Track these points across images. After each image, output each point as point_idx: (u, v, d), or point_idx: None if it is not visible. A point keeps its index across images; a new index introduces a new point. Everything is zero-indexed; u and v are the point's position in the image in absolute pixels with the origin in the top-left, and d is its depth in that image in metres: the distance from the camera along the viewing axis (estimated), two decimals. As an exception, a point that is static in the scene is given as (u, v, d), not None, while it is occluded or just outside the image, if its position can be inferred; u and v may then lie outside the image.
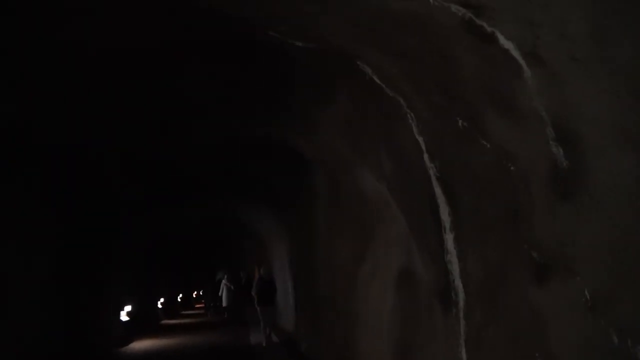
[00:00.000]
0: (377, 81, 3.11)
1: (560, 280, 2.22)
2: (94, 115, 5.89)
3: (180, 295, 26.68)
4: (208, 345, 11.65)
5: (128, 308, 12.64)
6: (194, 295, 33.36)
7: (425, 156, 2.98)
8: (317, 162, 6.93)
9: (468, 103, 2.53)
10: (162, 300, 19.76)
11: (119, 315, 12.06)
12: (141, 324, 14.21)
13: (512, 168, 2.37)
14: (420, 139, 2.99)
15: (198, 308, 29.81)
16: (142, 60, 4.51)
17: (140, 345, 12.11)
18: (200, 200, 11.97)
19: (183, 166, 8.89)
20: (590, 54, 1.88)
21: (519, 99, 2.20)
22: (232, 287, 17.26)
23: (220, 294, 17.64)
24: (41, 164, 6.16)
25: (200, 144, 7.76)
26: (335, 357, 6.59)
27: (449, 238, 2.88)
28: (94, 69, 4.48)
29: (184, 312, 25.40)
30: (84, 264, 8.32)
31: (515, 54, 2.07)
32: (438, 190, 2.93)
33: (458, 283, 2.82)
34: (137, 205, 10.17)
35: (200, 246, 21.11)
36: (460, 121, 2.61)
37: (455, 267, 2.84)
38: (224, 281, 17.48)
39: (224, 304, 17.05)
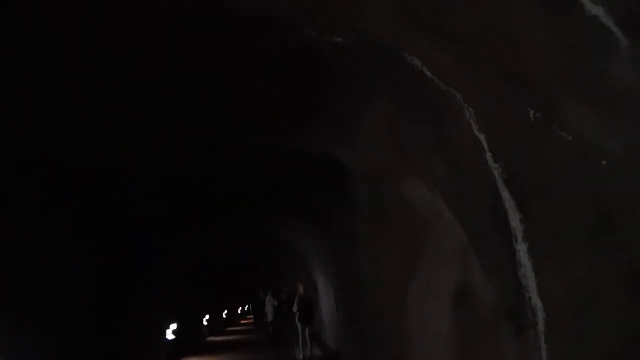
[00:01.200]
0: (427, 74, 2.76)
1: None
2: (130, 139, 5.85)
3: (225, 311, 26.71)
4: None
5: (173, 326, 12.59)
6: (239, 312, 33.41)
7: (488, 155, 2.59)
8: (359, 173, 6.58)
9: (541, 89, 2.15)
10: (207, 317, 19.78)
11: (164, 334, 12.02)
12: (187, 342, 14.17)
13: (602, 163, 1.96)
14: (481, 137, 2.61)
15: (243, 324, 29.79)
16: (170, 78, 4.38)
17: (185, 364, 12.02)
18: (239, 221, 11.92)
19: (220, 187, 8.78)
20: None
21: (611, 78, 1.80)
22: (275, 303, 17.95)
23: (265, 310, 18.58)
24: (76, 189, 6.15)
25: (234, 162, 7.60)
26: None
27: (522, 249, 2.47)
28: (122, 89, 4.37)
29: (229, 329, 25.37)
30: (125, 285, 8.27)
31: (607, 21, 1.69)
32: (505, 194, 2.53)
33: (536, 301, 2.40)
34: (178, 227, 10.15)
35: (242, 264, 21.12)
36: (531, 112, 2.22)
37: (531, 283, 2.42)
38: (268, 298, 18.28)
39: (269, 319, 17.90)
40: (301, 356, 11.43)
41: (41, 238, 5.51)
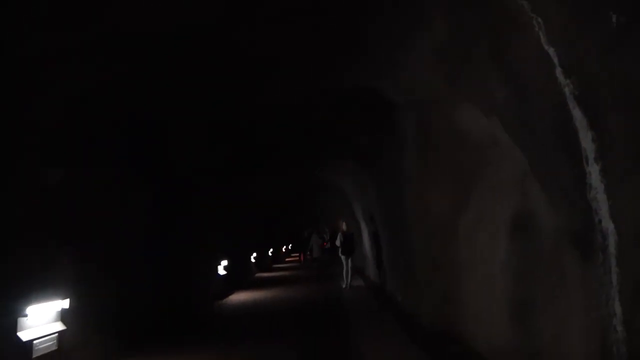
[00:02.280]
0: (491, -16, 2.53)
1: None
2: (178, 87, 5.90)
3: (271, 249, 27.75)
4: (301, 295, 12.06)
5: (224, 263, 13.22)
6: (284, 250, 34.64)
7: (558, 71, 2.39)
8: (406, 105, 6.37)
9: (628, -12, 1.91)
10: (254, 255, 20.63)
11: (216, 270, 12.65)
12: (237, 278, 14.91)
13: (699, 68, 1.76)
14: (550, 50, 2.40)
15: (288, 262, 30.97)
16: (215, 23, 4.25)
17: (238, 297, 12.70)
18: (284, 162, 12.11)
19: (265, 130, 8.80)
20: None
21: None
22: (320, 241, 18.88)
23: (310, 246, 19.60)
24: (130, 134, 6.32)
25: (277, 104, 7.53)
26: (434, 311, 6.26)
27: (593, 170, 2.32)
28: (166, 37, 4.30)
29: (275, 266, 26.48)
30: (180, 224, 8.67)
31: None
32: (577, 113, 2.35)
33: (607, 224, 2.28)
34: (228, 171, 10.42)
35: (287, 204, 21.66)
36: (614, 17, 2.00)
37: (602, 205, 2.30)
38: (313, 237, 19.23)
39: (315, 255, 18.84)
40: (345, 285, 12.71)
41: (104, 178, 5.78)
